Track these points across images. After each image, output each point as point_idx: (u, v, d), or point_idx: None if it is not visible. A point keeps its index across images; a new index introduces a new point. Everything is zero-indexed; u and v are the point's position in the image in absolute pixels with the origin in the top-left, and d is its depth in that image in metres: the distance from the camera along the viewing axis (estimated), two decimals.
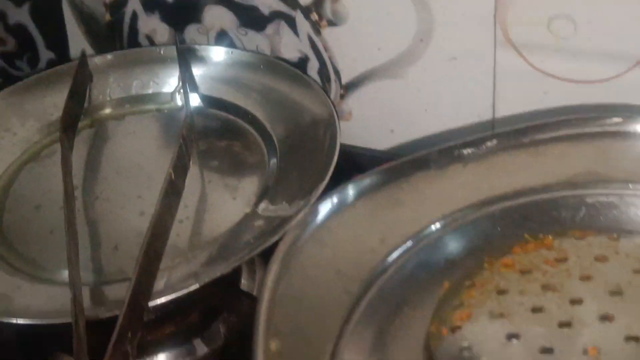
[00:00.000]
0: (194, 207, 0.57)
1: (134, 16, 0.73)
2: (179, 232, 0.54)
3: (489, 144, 0.46)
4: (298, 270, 0.41)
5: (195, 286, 0.48)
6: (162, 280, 0.49)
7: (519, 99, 0.63)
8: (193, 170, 0.59)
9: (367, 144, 0.67)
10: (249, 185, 0.58)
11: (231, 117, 0.65)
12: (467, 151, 0.46)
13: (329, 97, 0.63)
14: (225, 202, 0.57)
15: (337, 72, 0.67)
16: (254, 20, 0.68)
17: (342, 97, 0.68)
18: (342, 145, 0.64)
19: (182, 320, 0.54)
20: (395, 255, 0.43)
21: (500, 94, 0.63)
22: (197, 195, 0.58)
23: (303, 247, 0.42)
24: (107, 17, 0.74)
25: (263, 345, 0.37)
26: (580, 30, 0.58)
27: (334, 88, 0.68)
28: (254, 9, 0.67)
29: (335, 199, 0.45)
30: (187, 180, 0.57)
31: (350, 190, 0.46)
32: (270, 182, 0.58)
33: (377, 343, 0.39)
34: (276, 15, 0.67)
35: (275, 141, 0.61)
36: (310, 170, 0.56)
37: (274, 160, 0.60)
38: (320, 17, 0.65)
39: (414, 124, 0.69)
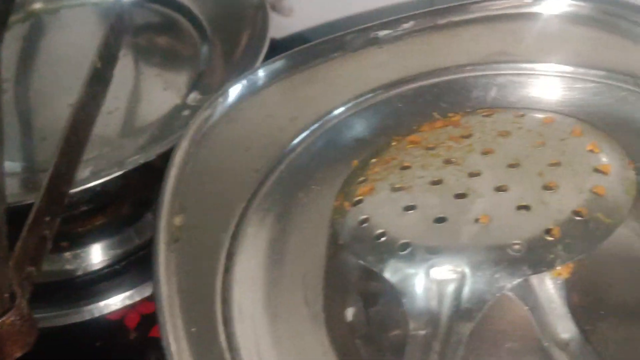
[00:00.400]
0: (125, 99, 0.57)
1: None
2: (109, 123, 0.55)
3: (405, 25, 0.46)
4: (208, 148, 0.41)
5: (118, 173, 0.47)
6: (87, 169, 0.49)
7: None
8: (127, 63, 0.59)
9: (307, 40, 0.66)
10: (181, 77, 0.58)
11: (168, 11, 0.64)
12: (383, 33, 0.46)
13: None
14: (157, 94, 0.57)
15: None
16: None
17: None
18: (281, 40, 0.64)
19: (114, 211, 0.54)
20: (305, 134, 0.43)
21: None
22: (129, 87, 0.58)
23: (214, 127, 0.42)
24: None
25: (166, 220, 0.37)
26: None
27: None
28: None
29: (246, 81, 0.44)
30: (119, 72, 0.56)
31: (262, 72, 0.45)
32: (201, 74, 0.57)
33: (282, 217, 0.40)
34: None
35: (209, 34, 0.59)
36: (241, 61, 0.55)
37: (205, 53, 0.58)
38: None
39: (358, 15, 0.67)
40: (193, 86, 0.56)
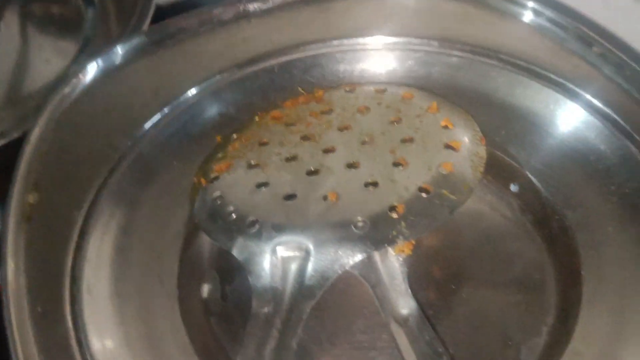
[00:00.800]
0: (7, 70, 0.55)
1: None
2: None
3: None
4: (67, 125, 0.41)
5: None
6: None
7: None
8: (10, 32, 0.57)
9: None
10: (67, 44, 0.56)
11: None
12: (252, 6, 0.45)
13: None
14: (40, 64, 0.56)
15: None
16: None
17: None
18: (167, 7, 0.63)
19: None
20: (167, 109, 0.42)
21: None
22: (11, 58, 0.56)
23: (73, 104, 0.41)
24: None
25: (19, 198, 0.36)
26: None
27: None
28: None
29: (107, 57, 0.43)
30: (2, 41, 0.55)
31: (124, 48, 0.44)
32: (87, 40, 0.56)
33: (140, 195, 0.40)
34: None
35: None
36: (127, 27, 0.54)
37: (91, 18, 0.57)
38: None
39: None
40: (76, 56, 0.54)
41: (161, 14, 0.50)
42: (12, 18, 0.59)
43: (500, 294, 0.38)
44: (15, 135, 0.46)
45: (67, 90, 0.42)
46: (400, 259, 0.35)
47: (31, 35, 0.59)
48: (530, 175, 0.41)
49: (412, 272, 0.36)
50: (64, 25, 0.59)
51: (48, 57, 0.57)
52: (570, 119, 0.42)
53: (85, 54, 0.56)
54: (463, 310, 0.37)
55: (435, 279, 0.38)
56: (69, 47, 0.57)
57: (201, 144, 0.42)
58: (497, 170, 0.41)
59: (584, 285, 0.37)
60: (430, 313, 0.36)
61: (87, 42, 0.57)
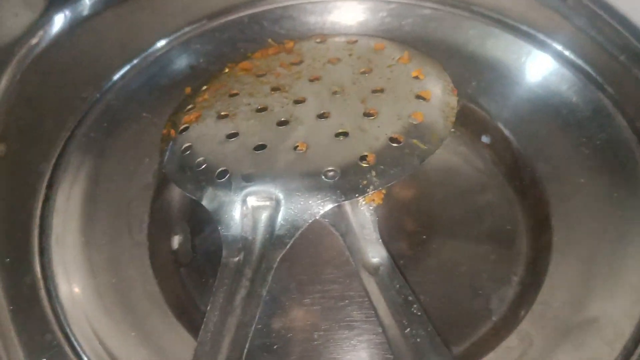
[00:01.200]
0: None
1: None
2: None
3: None
4: (34, 77, 0.40)
5: None
6: None
7: None
8: None
9: None
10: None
11: None
12: None
13: None
14: (8, 18, 0.55)
15: None
16: None
17: None
18: None
19: None
20: (136, 61, 0.42)
21: None
22: None
23: (40, 55, 0.41)
24: None
25: None
26: None
27: None
28: None
29: (74, 8, 0.42)
30: None
31: (89, 0, 0.43)
32: None
33: (108, 146, 0.39)
34: None
35: None
36: None
37: None
38: None
39: None
40: (45, 9, 0.53)
41: None
42: None
43: (471, 245, 0.38)
44: None
45: (33, 41, 0.41)
46: (371, 208, 0.35)
47: None
48: (501, 127, 0.41)
49: (383, 222, 0.36)
50: None
51: (17, 10, 0.56)
52: (542, 70, 0.42)
53: (53, 6, 0.54)
54: (434, 261, 0.38)
55: (406, 229, 0.38)
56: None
57: (170, 95, 0.42)
58: (469, 121, 0.41)
59: (554, 236, 0.37)
60: (400, 263, 0.36)
61: None
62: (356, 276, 0.35)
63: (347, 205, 0.35)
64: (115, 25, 0.42)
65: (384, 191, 0.35)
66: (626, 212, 0.37)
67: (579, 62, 0.41)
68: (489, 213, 0.40)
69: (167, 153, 0.38)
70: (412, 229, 0.38)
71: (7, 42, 0.51)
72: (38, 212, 0.36)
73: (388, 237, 0.36)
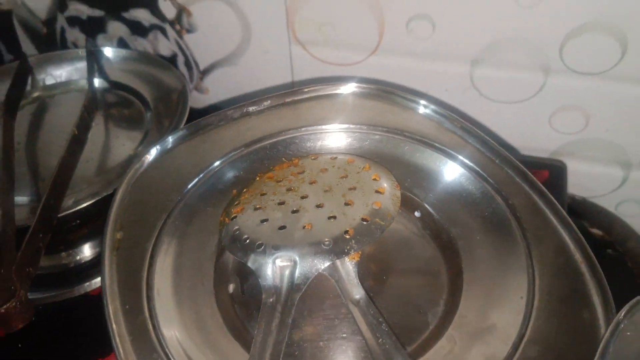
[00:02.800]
0: (98, 151, 0.54)
1: (62, 29, 0.68)
2: (87, 167, 0.52)
3: (265, 103, 0.45)
4: (139, 187, 0.40)
5: (92, 201, 0.47)
6: (72, 199, 0.47)
7: (308, 76, 0.65)
8: (99, 128, 0.56)
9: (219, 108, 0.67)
10: (134, 135, 0.56)
11: (125, 93, 0.62)
12: (252, 108, 0.45)
13: (184, 77, 0.62)
14: (118, 147, 0.55)
15: (196, 63, 0.66)
16: (139, 30, 0.65)
17: (201, 79, 0.67)
18: (201, 109, 0.63)
19: (92, 225, 0.51)
20: (202, 175, 0.42)
21: (296, 72, 0.62)
22: (100, 144, 0.55)
23: (143, 173, 0.41)
24: (44, 30, 0.69)
25: (110, 235, 0.35)
26: (339, 31, 0.60)
27: (195, 73, 0.67)
28: (138, 23, 0.64)
29: (163, 143, 0.43)
30: (95, 134, 0.55)
31: (173, 137, 0.44)
32: (146, 133, 0.56)
33: (187, 229, 0.39)
34: (153, 26, 0.65)
35: (151, 107, 0.58)
36: (171, 125, 0.54)
37: (149, 119, 0.57)
38: (181, 27, 0.62)
39: (244, 93, 0.69)
40: (141, 142, 0.54)
41: (195, 114, 0.49)
42: (99, 118, 0.58)
43: (413, 280, 0.38)
44: (105, 193, 0.46)
45: (137, 165, 0.41)
46: (353, 262, 0.35)
47: (112, 129, 0.58)
48: (427, 206, 0.41)
49: (360, 270, 0.36)
50: (132, 122, 0.59)
51: (123, 142, 0.57)
52: (451, 171, 0.42)
53: (146, 141, 0.55)
54: (391, 292, 0.38)
55: (373, 273, 0.38)
56: (136, 136, 0.57)
57: (224, 195, 0.42)
58: (407, 203, 0.41)
59: (463, 274, 0.37)
60: (371, 295, 0.36)
61: (147, 133, 0.56)
62: (345, 306, 0.35)
63: (337, 262, 0.34)
64: (188, 153, 0.43)
65: (359, 252, 0.34)
66: (508, 257, 0.37)
67: (473, 165, 0.41)
68: (423, 260, 0.40)
69: (223, 233, 0.37)
70: (377, 273, 0.38)
71: (117, 163, 0.52)
72: (145, 274, 0.35)
73: (363, 279, 0.36)
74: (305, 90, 0.46)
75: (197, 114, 0.47)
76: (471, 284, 0.36)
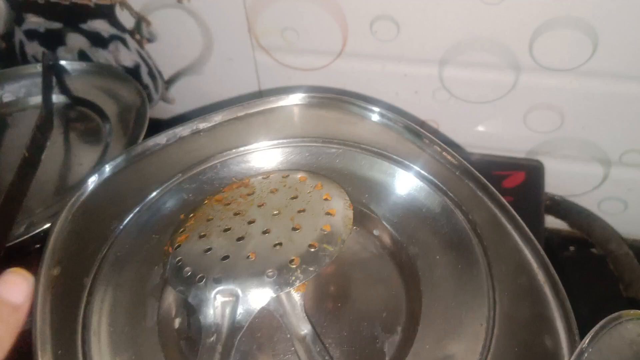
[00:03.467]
0: (56, 171, 0.52)
1: (22, 43, 0.66)
2: (43, 189, 0.49)
3: (216, 118, 0.42)
4: (79, 218, 0.37)
5: (47, 226, 0.44)
6: (23, 225, 0.44)
7: (274, 83, 0.63)
8: (57, 146, 0.54)
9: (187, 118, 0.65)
10: (92, 152, 0.53)
11: (84, 109, 0.60)
12: (202, 124, 0.42)
13: (143, 89, 0.59)
14: (77, 166, 0.53)
15: (159, 73, 0.63)
16: (99, 41, 0.62)
17: (166, 88, 0.64)
18: (169, 120, 0.61)
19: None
20: (148, 198, 0.40)
21: (262, 79, 0.60)
22: (59, 163, 0.53)
23: (84, 202, 0.38)
24: (3, 44, 0.66)
25: (46, 272, 0.33)
26: (302, 35, 0.58)
27: (160, 83, 0.64)
28: (98, 34, 0.61)
29: (105, 169, 0.40)
30: (51, 153, 0.54)
31: (113, 164, 0.42)
32: (105, 147, 0.53)
33: (130, 259, 0.36)
34: (113, 37, 0.62)
35: (111, 121, 0.55)
36: (130, 138, 0.52)
37: (107, 132, 0.55)
38: (141, 36, 0.60)
39: (211, 101, 0.68)
40: (99, 159, 0.51)
41: (164, 125, 0.47)
42: (58, 136, 0.56)
43: (369, 306, 0.36)
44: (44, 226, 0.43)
45: (78, 193, 0.39)
46: (298, 294, 0.32)
47: (71, 146, 0.56)
48: (385, 224, 0.38)
49: (312, 299, 0.34)
50: (91, 138, 0.56)
51: (81, 160, 0.54)
52: (408, 185, 0.40)
53: (105, 158, 0.53)
54: (346, 319, 0.35)
55: (326, 300, 0.36)
56: (95, 153, 0.54)
57: (171, 221, 0.39)
58: (364, 221, 0.39)
59: (422, 297, 0.35)
60: (325, 325, 0.33)
61: (105, 149, 0.54)
62: (291, 341, 0.32)
63: (282, 295, 0.32)
64: (134, 176, 0.41)
65: (306, 283, 0.31)
66: (468, 279, 0.35)
67: (431, 177, 0.39)
68: (380, 282, 0.37)
69: (167, 264, 0.35)
70: (332, 299, 0.36)
71: (75, 183, 0.49)
72: (81, 313, 0.33)
73: (316, 307, 0.34)
74: (258, 103, 0.43)
75: (166, 125, 0.44)
76: (430, 309, 0.33)
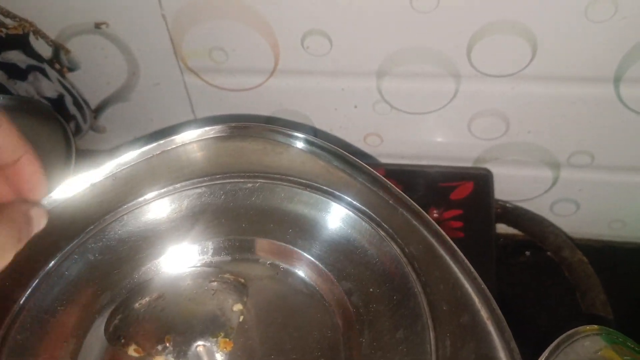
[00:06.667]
0: None
1: None
2: None
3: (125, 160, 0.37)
4: None
5: None
6: None
7: (208, 105, 0.59)
8: None
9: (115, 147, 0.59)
10: None
11: None
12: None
13: (67, 129, 0.55)
14: None
15: (85, 102, 0.58)
16: (16, 73, 0.57)
17: (95, 117, 0.59)
18: (105, 151, 0.57)
19: None
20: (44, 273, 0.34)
21: (195, 102, 0.56)
22: None
23: None
24: None
25: None
26: (231, 55, 0.54)
27: (87, 112, 0.59)
28: (14, 65, 0.56)
29: None
30: None
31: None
32: None
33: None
34: (30, 67, 0.57)
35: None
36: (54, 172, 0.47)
37: None
38: (61, 65, 0.54)
39: (144, 129, 0.63)
40: None
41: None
42: None
43: (304, 355, 0.32)
44: None
45: None
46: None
47: None
48: (314, 260, 0.34)
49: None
50: None
51: None
52: (337, 216, 0.36)
53: None
54: None
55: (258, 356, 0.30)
56: None
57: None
58: (289, 259, 0.36)
59: (360, 336, 0.32)
60: None
61: None
62: None
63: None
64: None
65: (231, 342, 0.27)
66: (405, 310, 0.32)
67: (363, 207, 0.34)
68: (314, 325, 0.34)
69: None
70: (261, 354, 0.31)
71: None
72: None
73: None
74: (169, 142, 0.38)
75: (100, 157, 0.39)
76: (369, 349, 0.31)
